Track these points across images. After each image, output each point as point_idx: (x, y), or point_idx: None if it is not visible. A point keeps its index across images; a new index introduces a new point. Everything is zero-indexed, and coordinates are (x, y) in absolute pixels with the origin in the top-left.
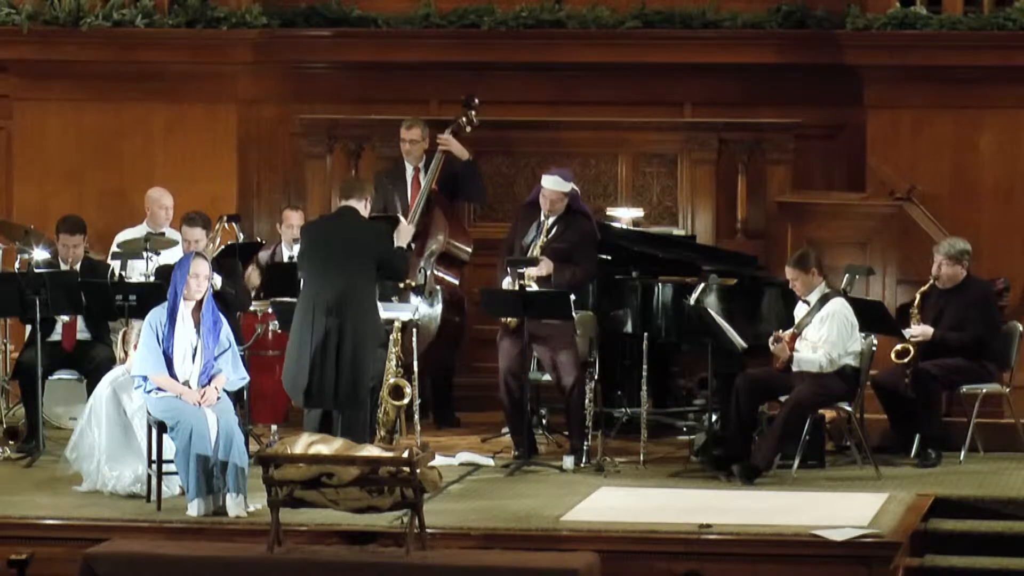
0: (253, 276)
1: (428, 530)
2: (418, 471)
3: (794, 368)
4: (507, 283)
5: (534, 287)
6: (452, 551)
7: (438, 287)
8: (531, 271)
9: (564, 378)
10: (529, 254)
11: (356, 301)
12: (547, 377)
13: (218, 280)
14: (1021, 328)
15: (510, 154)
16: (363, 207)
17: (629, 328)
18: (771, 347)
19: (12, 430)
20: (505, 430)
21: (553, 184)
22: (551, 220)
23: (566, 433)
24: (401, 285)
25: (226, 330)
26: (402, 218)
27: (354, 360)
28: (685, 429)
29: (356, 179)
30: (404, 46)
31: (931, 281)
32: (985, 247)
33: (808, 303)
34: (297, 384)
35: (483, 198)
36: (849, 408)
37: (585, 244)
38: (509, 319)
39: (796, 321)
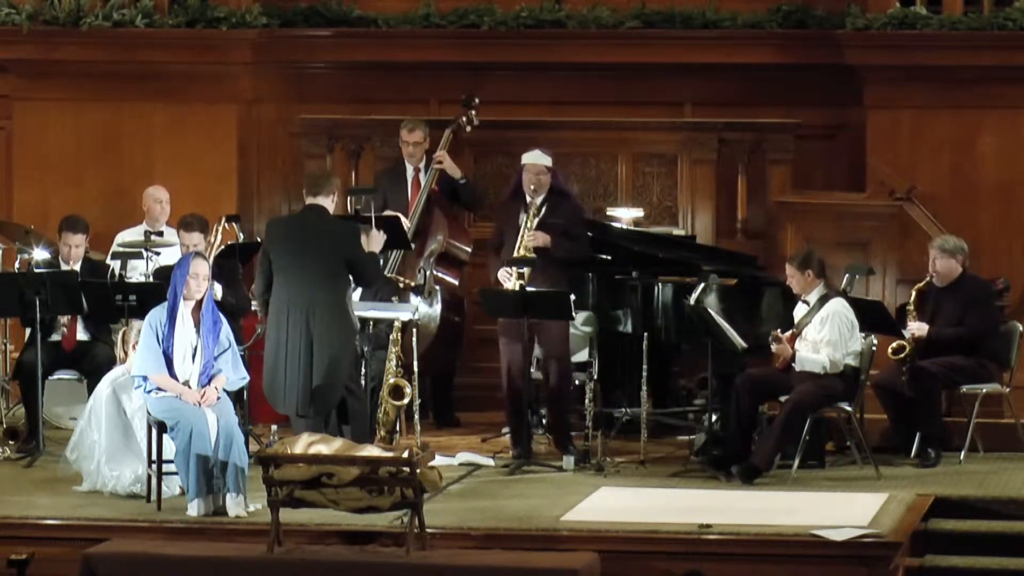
0: None
1: (428, 530)
2: (418, 471)
3: (796, 367)
4: (503, 275)
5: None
6: (452, 551)
7: (437, 287)
8: (530, 243)
9: (552, 370)
10: (522, 233)
11: (327, 304)
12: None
13: (219, 289)
14: (1021, 328)
15: (510, 154)
16: (330, 203)
17: (629, 328)
18: (772, 347)
19: (12, 430)
20: (505, 430)
21: (534, 158)
22: (539, 200)
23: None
24: (401, 285)
25: (226, 330)
26: (374, 229)
27: (328, 363)
28: (685, 429)
29: (323, 175)
30: (404, 46)
31: (928, 278)
32: (985, 247)
33: (807, 303)
34: (274, 391)
35: (481, 209)
36: (849, 408)
37: (576, 220)
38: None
39: (796, 321)
